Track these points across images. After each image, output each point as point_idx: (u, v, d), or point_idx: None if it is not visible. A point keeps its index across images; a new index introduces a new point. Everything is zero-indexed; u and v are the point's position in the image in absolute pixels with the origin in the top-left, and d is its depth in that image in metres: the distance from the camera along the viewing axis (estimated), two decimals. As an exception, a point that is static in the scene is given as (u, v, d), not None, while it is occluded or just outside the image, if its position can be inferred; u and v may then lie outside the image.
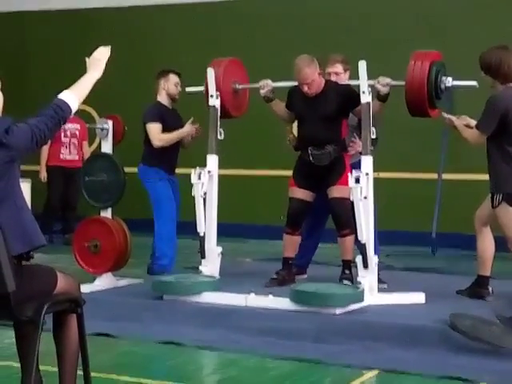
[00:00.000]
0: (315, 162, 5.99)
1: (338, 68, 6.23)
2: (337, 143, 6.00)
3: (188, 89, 6.75)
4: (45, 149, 9.22)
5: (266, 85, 6.21)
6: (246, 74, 6.56)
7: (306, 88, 5.92)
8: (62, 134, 9.31)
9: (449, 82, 5.62)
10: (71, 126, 9.41)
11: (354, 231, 5.72)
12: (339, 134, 6.06)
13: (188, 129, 6.85)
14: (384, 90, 5.69)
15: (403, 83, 5.60)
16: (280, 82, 6.30)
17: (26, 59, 11.53)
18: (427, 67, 5.52)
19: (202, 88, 6.46)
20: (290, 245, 6.17)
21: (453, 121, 5.61)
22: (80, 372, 3.69)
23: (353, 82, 6.08)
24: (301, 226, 6.19)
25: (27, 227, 3.45)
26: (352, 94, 5.96)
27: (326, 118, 5.93)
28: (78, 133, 9.59)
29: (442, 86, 5.61)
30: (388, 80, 5.70)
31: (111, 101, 10.27)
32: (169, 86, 6.87)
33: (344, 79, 6.23)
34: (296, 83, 6.07)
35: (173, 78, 6.89)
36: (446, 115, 5.70)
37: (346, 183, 5.69)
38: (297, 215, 6.13)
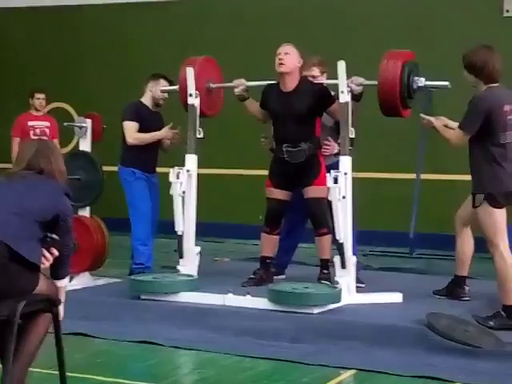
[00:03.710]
0: (289, 159, 6.01)
1: (315, 71, 6.24)
2: (311, 141, 6.02)
3: (162, 88, 6.75)
4: (15, 148, 9.00)
5: (240, 84, 6.22)
6: (220, 73, 6.56)
7: (281, 57, 5.92)
8: (31, 132, 9.15)
9: (421, 81, 5.65)
10: (40, 124, 9.30)
11: (331, 230, 5.74)
12: (313, 132, 6.08)
13: (164, 132, 6.82)
14: (357, 89, 5.72)
15: (376, 83, 5.61)
16: (254, 81, 6.31)
17: (7, 56, 11.42)
18: (399, 67, 5.54)
19: (176, 87, 6.46)
20: (268, 244, 6.18)
21: (432, 122, 5.62)
22: (56, 372, 3.68)
23: (330, 82, 6.09)
24: (279, 226, 6.20)
25: (36, 244, 3.58)
26: (325, 93, 6.01)
27: (300, 116, 5.94)
28: (47, 130, 9.42)
29: (415, 86, 5.63)
30: (361, 80, 5.73)
31: (90, 99, 10.25)
32: (156, 90, 6.84)
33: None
34: (270, 82, 6.13)
35: (163, 84, 6.85)
36: (424, 116, 5.72)
37: (322, 183, 5.72)
38: (275, 215, 6.14)
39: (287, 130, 6.00)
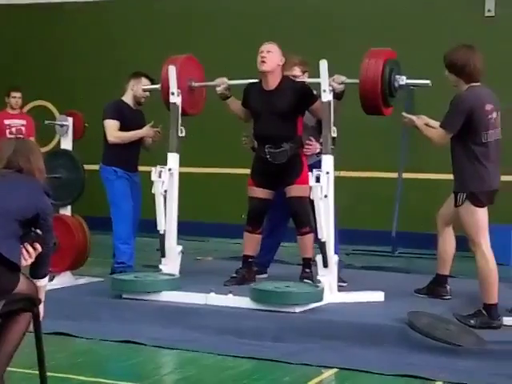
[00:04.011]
0: (272, 160, 6.01)
1: (296, 71, 6.23)
2: (293, 141, 6.02)
3: (144, 86, 6.73)
4: None
5: (222, 82, 6.22)
6: (202, 72, 6.55)
7: (263, 55, 5.92)
8: (7, 131, 9.12)
9: (402, 80, 5.67)
10: (16, 122, 9.26)
11: (314, 229, 5.74)
12: (295, 132, 6.08)
13: (145, 131, 6.81)
14: (339, 87, 5.73)
15: (358, 81, 5.61)
16: (237, 80, 6.30)
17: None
18: (381, 65, 5.55)
19: (158, 86, 6.44)
20: (251, 243, 6.18)
21: (413, 120, 5.63)
22: (36, 371, 3.66)
23: (312, 81, 6.09)
24: (261, 225, 6.20)
25: (16, 243, 3.53)
26: (307, 92, 6.00)
27: (282, 114, 5.94)
28: (23, 129, 9.38)
29: (396, 84, 5.65)
30: (343, 78, 5.74)
31: (72, 97, 10.21)
32: (137, 89, 6.82)
33: None
34: (252, 80, 6.14)
35: (144, 82, 6.83)
36: (406, 115, 5.72)
37: (305, 182, 5.72)
38: (257, 214, 6.14)
39: (269, 129, 5.99)
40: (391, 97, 5.68)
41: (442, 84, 5.52)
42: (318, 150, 6.02)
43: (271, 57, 5.94)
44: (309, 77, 6.25)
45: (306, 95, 5.98)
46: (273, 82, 6.00)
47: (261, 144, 6.07)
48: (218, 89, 6.25)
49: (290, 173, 6.01)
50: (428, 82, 5.72)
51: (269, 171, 6.05)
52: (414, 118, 5.64)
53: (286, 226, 6.61)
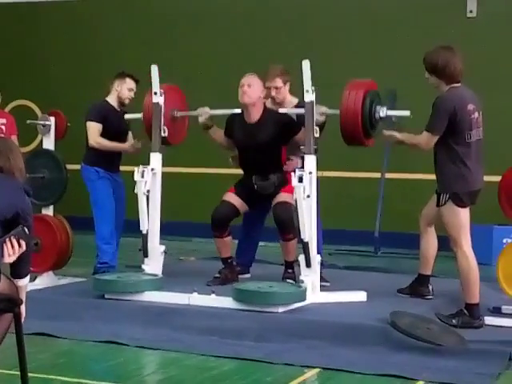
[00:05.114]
0: (260, 190, 6.07)
1: (278, 82, 6.22)
2: (279, 170, 6.06)
3: (126, 116, 6.69)
4: None
5: (204, 112, 6.21)
6: (184, 102, 6.53)
7: (244, 89, 5.92)
8: None
9: (383, 111, 5.64)
10: None
11: (297, 235, 5.72)
12: (280, 161, 6.12)
13: (126, 146, 6.82)
14: (320, 118, 5.74)
15: (339, 112, 5.57)
16: (218, 109, 6.30)
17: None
18: (361, 97, 5.52)
19: (140, 115, 6.39)
20: (223, 246, 6.18)
21: (395, 135, 5.60)
22: (17, 372, 3.64)
23: (296, 111, 6.01)
24: (227, 228, 6.15)
25: None
26: (291, 123, 6.02)
27: (266, 147, 5.97)
28: (4, 128, 9.33)
29: (377, 116, 5.63)
30: (324, 109, 5.74)
31: (54, 96, 10.17)
32: (122, 89, 6.79)
33: (285, 93, 6.25)
34: (234, 111, 6.15)
35: (129, 83, 6.80)
36: (386, 133, 5.67)
37: (290, 191, 5.72)
38: (221, 219, 6.10)
39: (254, 162, 6.05)
40: (372, 129, 5.67)
41: (424, 85, 5.53)
42: (298, 166, 5.98)
43: (252, 90, 5.95)
44: (290, 87, 6.23)
45: (289, 126, 6.00)
46: (254, 115, 6.01)
47: (247, 175, 6.13)
48: (200, 119, 6.25)
49: (275, 192, 6.05)
50: (408, 113, 5.69)
51: (254, 193, 6.09)
52: (394, 133, 5.61)
53: (262, 226, 6.60)
